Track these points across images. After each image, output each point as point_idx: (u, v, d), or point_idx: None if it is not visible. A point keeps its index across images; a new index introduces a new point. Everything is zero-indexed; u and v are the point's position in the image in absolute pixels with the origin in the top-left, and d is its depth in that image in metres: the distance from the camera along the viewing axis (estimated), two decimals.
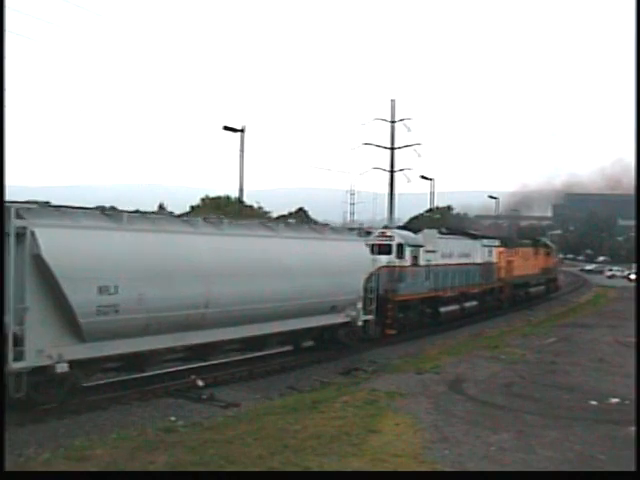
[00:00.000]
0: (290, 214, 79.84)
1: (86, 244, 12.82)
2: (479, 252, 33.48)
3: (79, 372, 13.19)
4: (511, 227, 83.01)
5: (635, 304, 26.02)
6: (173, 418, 13.02)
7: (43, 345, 12.19)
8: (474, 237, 34.18)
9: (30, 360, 11.94)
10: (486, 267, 34.19)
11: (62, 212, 12.99)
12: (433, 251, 27.44)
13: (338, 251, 20.53)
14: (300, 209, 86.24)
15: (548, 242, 53.98)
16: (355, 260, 21.21)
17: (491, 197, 71.38)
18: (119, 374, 15.20)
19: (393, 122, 49.95)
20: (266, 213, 71.73)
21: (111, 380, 15.19)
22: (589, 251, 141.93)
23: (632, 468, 8.75)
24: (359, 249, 21.97)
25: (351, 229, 25.69)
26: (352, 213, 64.18)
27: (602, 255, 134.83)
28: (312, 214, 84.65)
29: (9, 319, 11.57)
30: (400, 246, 25.18)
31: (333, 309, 20.20)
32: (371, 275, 22.02)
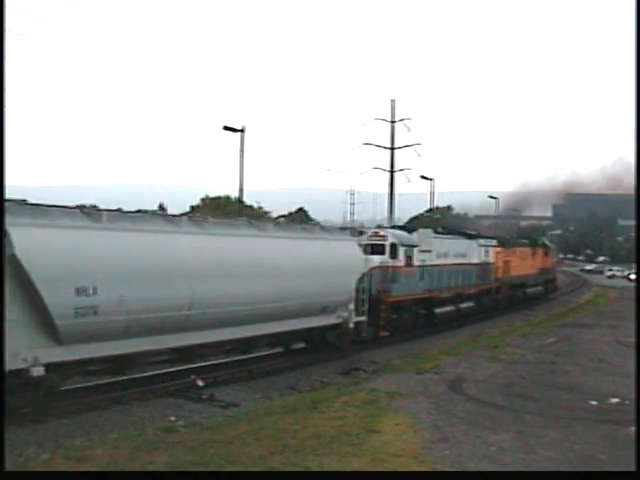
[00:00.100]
0: (290, 214, 79.82)
1: (63, 244, 12.40)
2: (475, 252, 33.11)
3: (56, 375, 12.73)
4: (511, 227, 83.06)
5: (635, 304, 26.03)
6: (173, 418, 13.02)
7: (18, 348, 11.72)
8: (470, 237, 33.79)
9: (4, 363, 11.21)
10: (483, 267, 33.85)
11: (38, 211, 12.50)
12: (428, 251, 27.03)
13: (329, 251, 20.14)
14: (300, 209, 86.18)
15: (546, 242, 53.75)
16: (347, 260, 20.84)
17: (491, 197, 71.37)
18: (100, 377, 14.77)
19: (393, 122, 49.96)
20: (266, 213, 71.66)
21: (111, 380, 15.17)
22: (589, 251, 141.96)
23: (632, 468, 8.75)
24: (351, 249, 21.59)
25: (343, 229, 25.25)
26: (352, 213, 64.09)
27: (602, 255, 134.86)
28: (312, 214, 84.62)
29: None
30: (393, 246, 24.71)
31: (324, 310, 19.76)
32: (363, 275, 21.63)
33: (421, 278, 26.52)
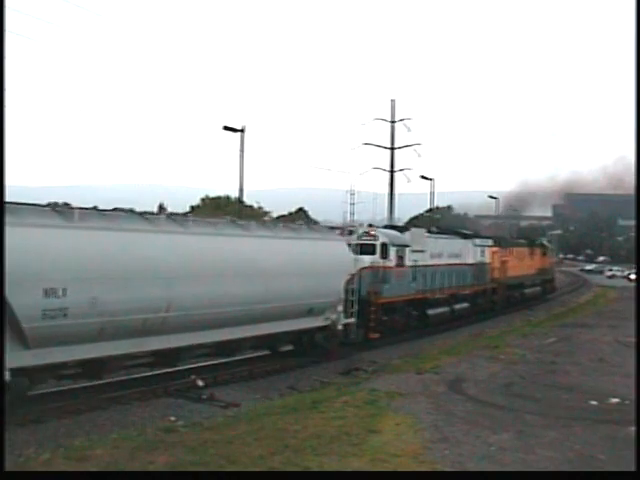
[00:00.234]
0: (290, 214, 79.76)
1: (30, 243, 11.75)
2: (471, 252, 32.62)
3: (24, 380, 12.13)
4: (511, 227, 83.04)
5: (635, 304, 26.00)
6: (173, 418, 13.01)
7: None
8: (466, 237, 33.33)
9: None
10: (478, 267, 33.28)
11: (6, 209, 11.34)
12: (421, 251, 26.46)
13: (316, 251, 19.56)
14: (300, 209, 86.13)
15: (545, 242, 53.52)
16: (335, 260, 20.24)
17: (491, 197, 71.36)
18: (75, 381, 14.36)
19: (393, 122, 49.96)
20: (266, 213, 71.65)
21: (111, 380, 15.17)
22: (589, 251, 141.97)
23: (632, 468, 8.75)
24: (339, 249, 21.01)
25: (332, 228, 24.71)
26: (352, 213, 64.01)
27: (602, 255, 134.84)
28: (312, 214, 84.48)
29: None
30: (384, 246, 24.05)
31: (310, 312, 19.14)
32: (353, 276, 21.06)
33: (413, 279, 25.94)
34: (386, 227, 28.32)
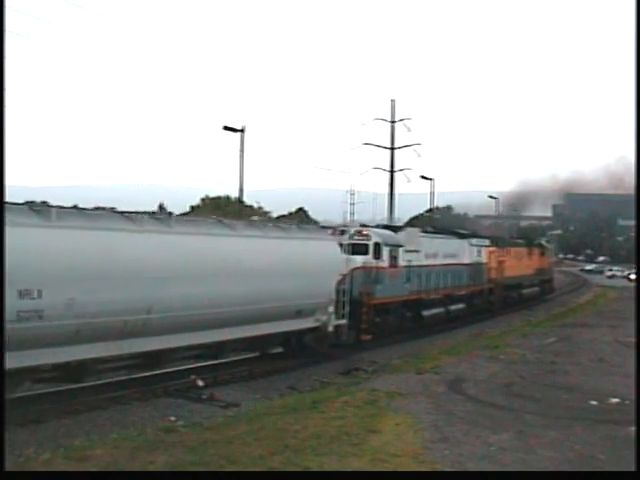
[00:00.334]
0: (290, 214, 79.82)
1: (5, 243, 10.95)
2: (467, 252, 32.17)
3: None
4: (511, 227, 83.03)
5: (635, 304, 26.01)
6: (173, 418, 13.01)
7: None
8: (462, 236, 32.84)
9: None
10: (474, 268, 32.84)
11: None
12: (415, 251, 26.00)
13: (306, 251, 19.11)
14: (300, 209, 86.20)
15: (543, 242, 53.23)
16: (325, 261, 19.76)
17: (491, 197, 71.42)
18: (51, 384, 14.01)
19: (393, 122, 49.99)
20: (266, 213, 71.72)
21: (111, 380, 15.18)
22: (589, 251, 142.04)
23: (632, 468, 8.74)
24: (330, 249, 20.54)
25: (324, 228, 24.30)
26: (352, 213, 64.10)
27: (602, 255, 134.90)
28: (312, 214, 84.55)
29: None
30: (377, 245, 23.44)
31: (300, 313, 18.73)
32: (344, 277, 20.67)
33: (407, 279, 25.40)
34: (379, 227, 27.79)
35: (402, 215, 65.75)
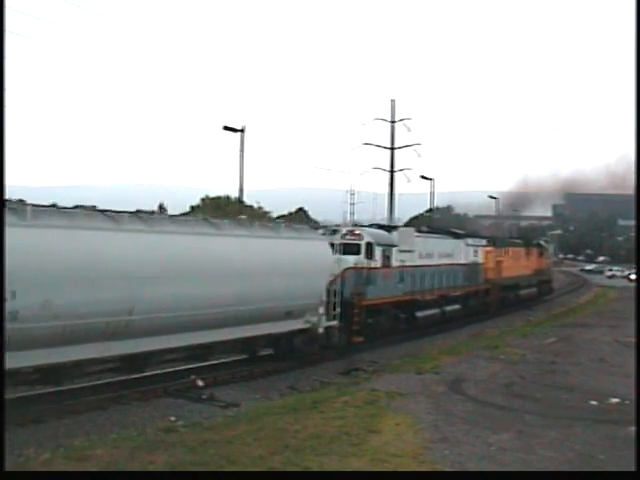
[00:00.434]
0: (290, 214, 79.84)
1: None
2: (463, 252, 31.67)
3: None
4: (511, 227, 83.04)
5: (635, 304, 26.02)
6: (173, 418, 13.02)
7: None
8: (457, 236, 32.42)
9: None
10: (471, 268, 32.38)
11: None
12: (409, 251, 25.46)
13: (295, 251, 18.65)
14: (300, 209, 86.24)
15: (541, 242, 52.80)
16: (315, 261, 19.31)
17: (491, 197, 71.45)
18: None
19: (393, 122, 49.99)
20: (266, 213, 71.73)
21: (111, 380, 15.17)
22: (589, 251, 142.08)
23: (632, 468, 8.75)
24: (320, 249, 20.08)
25: (316, 227, 23.68)
26: (352, 213, 64.16)
27: (602, 255, 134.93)
28: (312, 214, 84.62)
29: None
30: (369, 245, 22.89)
31: (289, 315, 18.32)
32: (336, 277, 20.31)
33: (401, 280, 24.86)
34: (373, 226, 27.37)
35: (402, 215, 65.77)
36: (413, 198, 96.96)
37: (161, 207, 75.54)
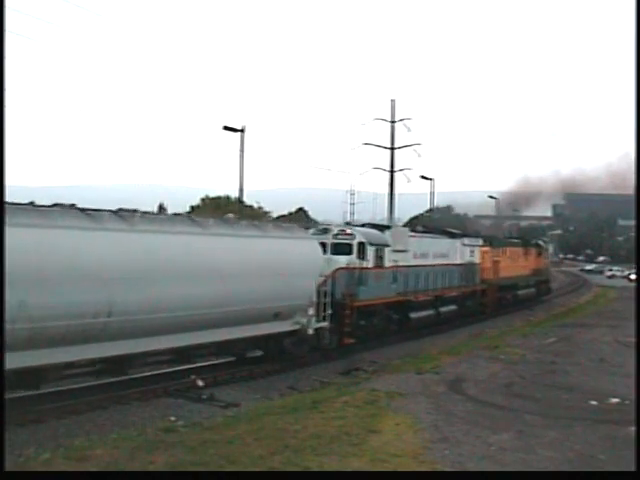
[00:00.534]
0: (290, 214, 79.93)
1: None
2: (459, 252, 31.27)
3: None
4: (511, 227, 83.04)
5: (635, 304, 26.02)
6: (173, 418, 13.02)
7: None
8: (453, 236, 31.96)
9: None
10: (467, 268, 31.98)
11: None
12: (403, 251, 25.07)
13: (283, 250, 18.23)
14: (300, 209, 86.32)
15: (539, 242, 52.44)
16: (304, 260, 18.85)
17: (491, 197, 71.49)
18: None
19: (393, 122, 50.02)
20: (266, 213, 71.82)
21: (111, 380, 15.18)
22: (589, 251, 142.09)
23: (632, 468, 8.74)
24: (310, 248, 19.58)
25: (307, 227, 23.39)
26: (352, 213, 64.22)
27: (602, 255, 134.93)
28: (312, 214, 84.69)
29: None
30: (361, 245, 22.35)
31: (277, 316, 17.85)
32: (326, 278, 19.93)
33: (394, 280, 24.36)
34: (366, 225, 26.75)
35: (402, 215, 65.84)
36: (413, 198, 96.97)
37: (161, 207, 75.65)
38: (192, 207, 72.35)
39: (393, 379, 16.09)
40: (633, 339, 20.36)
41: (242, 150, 32.71)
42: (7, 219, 11.10)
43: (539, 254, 47.28)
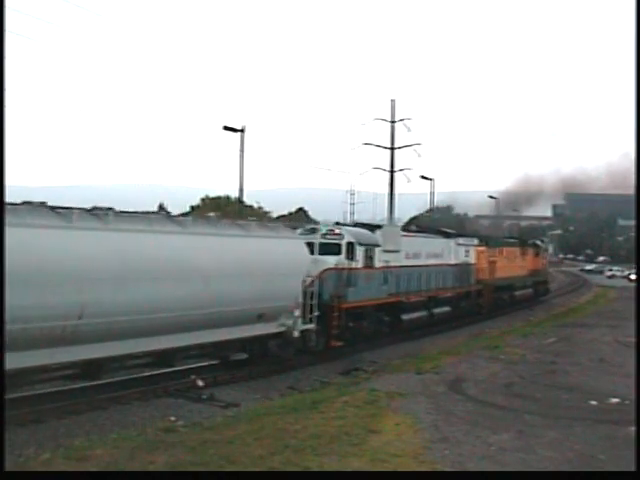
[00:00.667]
0: (290, 214, 79.92)
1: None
2: (453, 252, 30.63)
3: None
4: (511, 227, 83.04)
5: (635, 304, 26.03)
6: (173, 418, 13.02)
7: None
8: (447, 235, 31.42)
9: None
10: (461, 268, 31.33)
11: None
12: (395, 251, 24.45)
13: (266, 250, 17.72)
14: (300, 209, 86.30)
15: (538, 242, 52.26)
16: (290, 261, 18.35)
17: (491, 197, 71.50)
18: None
19: (393, 122, 50.07)
20: (266, 213, 71.81)
21: (110, 380, 15.17)
22: (589, 251, 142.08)
23: (632, 468, 8.74)
24: (295, 248, 19.08)
25: (294, 227, 22.95)
26: (352, 213, 64.33)
27: (602, 255, 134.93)
28: (312, 214, 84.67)
29: None
30: (350, 245, 21.66)
31: (261, 317, 17.35)
32: (313, 279, 19.37)
33: (385, 281, 23.69)
34: (357, 225, 26.12)
35: (402, 215, 65.87)
36: (413, 198, 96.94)
37: (161, 207, 75.65)
38: (192, 207, 72.39)
39: (393, 379, 16.10)
40: (633, 339, 20.37)
41: (242, 150, 32.76)
42: None
43: (537, 254, 46.81)
